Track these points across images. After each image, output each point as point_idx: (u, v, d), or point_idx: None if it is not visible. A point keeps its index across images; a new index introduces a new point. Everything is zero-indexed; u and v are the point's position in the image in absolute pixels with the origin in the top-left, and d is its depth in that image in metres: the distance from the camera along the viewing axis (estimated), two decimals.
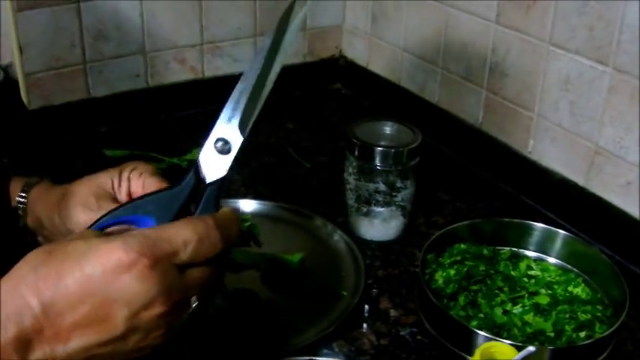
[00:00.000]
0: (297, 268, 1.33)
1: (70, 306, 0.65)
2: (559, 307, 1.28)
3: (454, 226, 1.40)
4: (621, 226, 1.49)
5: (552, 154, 1.61)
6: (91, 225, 0.77)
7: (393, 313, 1.31)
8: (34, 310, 0.64)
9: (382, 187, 1.41)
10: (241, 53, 1.98)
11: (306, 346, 1.20)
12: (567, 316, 1.26)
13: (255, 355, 1.20)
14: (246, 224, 1.37)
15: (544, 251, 1.43)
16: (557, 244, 1.41)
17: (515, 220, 1.44)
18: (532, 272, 1.38)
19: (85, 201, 0.92)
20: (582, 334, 1.23)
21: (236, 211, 0.79)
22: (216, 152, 0.79)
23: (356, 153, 1.41)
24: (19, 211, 0.99)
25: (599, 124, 1.49)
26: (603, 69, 1.45)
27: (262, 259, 1.35)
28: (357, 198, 1.44)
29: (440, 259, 1.36)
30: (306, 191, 1.64)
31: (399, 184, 1.42)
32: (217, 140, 0.79)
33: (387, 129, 1.48)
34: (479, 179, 1.75)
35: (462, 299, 1.29)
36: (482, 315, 1.26)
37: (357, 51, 2.11)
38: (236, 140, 0.79)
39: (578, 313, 1.27)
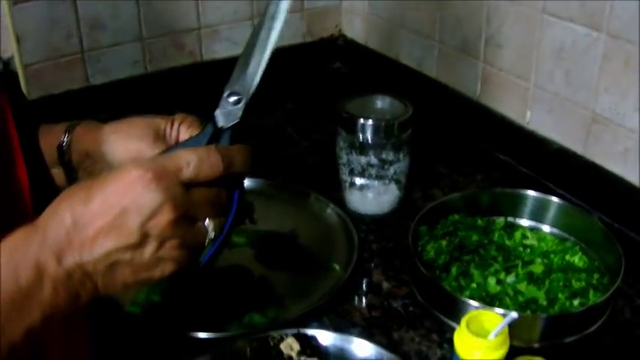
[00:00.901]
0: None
1: (93, 218, 0.76)
2: (553, 276, 1.27)
3: (447, 197, 1.40)
4: (620, 194, 1.47)
5: (550, 124, 1.60)
6: None
7: (385, 285, 1.30)
8: (66, 225, 0.76)
9: (374, 160, 1.40)
10: (239, 36, 1.97)
11: (295, 319, 1.20)
12: (561, 284, 1.25)
13: (245, 328, 1.20)
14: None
15: (539, 220, 1.42)
16: (552, 212, 1.40)
17: (508, 190, 1.43)
18: (527, 242, 1.37)
19: (142, 134, 1.02)
20: (576, 302, 1.22)
21: (247, 147, 0.88)
22: (230, 104, 0.90)
23: (346, 127, 1.40)
24: (64, 148, 1.07)
25: (595, 92, 1.47)
26: (597, 35, 1.43)
27: (256, 236, 1.35)
28: (350, 172, 1.43)
29: (433, 231, 1.35)
30: (302, 169, 1.64)
31: (391, 157, 1.41)
32: (230, 94, 0.90)
33: (379, 103, 1.47)
34: (477, 151, 1.74)
35: (454, 270, 1.28)
36: (474, 285, 1.25)
37: (356, 29, 2.10)
38: (245, 92, 0.91)
39: (573, 281, 1.26)
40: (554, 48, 1.53)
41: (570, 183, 1.55)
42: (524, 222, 1.43)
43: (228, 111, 0.90)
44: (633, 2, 1.33)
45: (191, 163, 0.81)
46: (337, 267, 1.32)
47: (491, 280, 1.26)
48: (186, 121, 1.04)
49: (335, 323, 1.22)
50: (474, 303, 1.15)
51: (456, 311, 1.15)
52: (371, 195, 1.44)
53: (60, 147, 1.07)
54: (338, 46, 2.13)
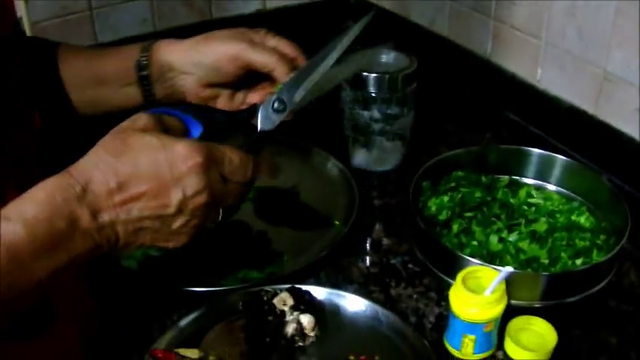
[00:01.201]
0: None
1: (139, 183, 0.83)
2: (556, 235, 1.24)
3: (451, 153, 1.37)
4: (632, 154, 1.43)
5: (561, 82, 1.56)
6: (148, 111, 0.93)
7: (385, 242, 1.28)
8: (110, 186, 0.82)
9: (377, 115, 1.38)
10: None
11: (291, 275, 1.18)
12: (564, 243, 1.22)
13: (241, 283, 1.18)
14: None
15: (545, 179, 1.39)
16: (558, 170, 1.37)
17: (514, 147, 1.40)
18: (532, 200, 1.34)
19: (238, 37, 1.12)
20: (579, 262, 1.20)
21: (274, 168, 1.05)
22: (272, 109, 1.01)
23: (350, 82, 1.38)
24: (144, 62, 1.13)
25: (607, 49, 1.43)
26: None
27: (257, 192, 1.33)
28: (353, 127, 1.41)
29: (437, 186, 1.33)
30: (306, 124, 1.61)
31: (395, 112, 1.38)
32: (277, 100, 1.01)
33: (383, 57, 1.44)
34: (487, 110, 1.70)
35: (455, 226, 1.26)
36: (475, 243, 1.23)
37: None
38: (290, 104, 1.01)
39: (576, 241, 1.23)
40: (565, 4, 1.49)
41: (581, 143, 1.51)
42: (530, 180, 1.40)
43: (268, 114, 1.01)
44: None
45: (233, 162, 0.91)
46: (337, 223, 1.30)
47: (493, 238, 1.23)
48: (270, 34, 1.15)
49: (332, 279, 1.20)
50: (473, 260, 1.12)
51: (455, 269, 1.12)
52: (375, 151, 1.42)
53: (138, 64, 1.13)
54: (350, 5, 2.09)
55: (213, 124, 0.99)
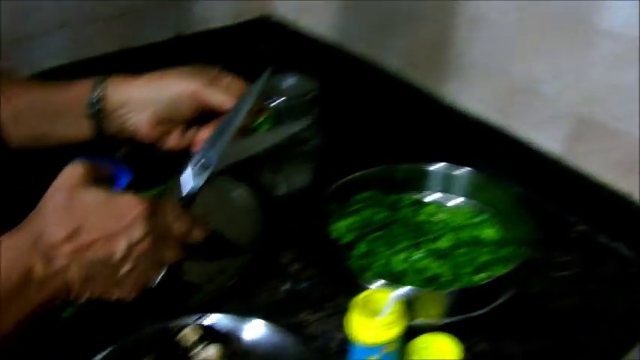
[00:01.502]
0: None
1: (88, 233, 0.89)
2: (459, 251, 1.26)
3: (356, 174, 1.37)
4: (539, 163, 1.46)
5: (468, 95, 1.59)
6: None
7: (293, 266, 1.29)
8: (60, 236, 0.88)
9: None
10: (166, 20, 1.93)
11: (202, 304, 1.18)
12: (467, 258, 1.24)
13: (152, 315, 1.18)
14: (160, 188, 1.35)
15: (452, 192, 1.41)
16: (465, 184, 1.39)
17: (417, 164, 1.42)
18: (438, 217, 1.36)
19: (196, 75, 1.14)
20: (481, 276, 1.21)
21: (205, 230, 1.06)
22: (198, 167, 1.05)
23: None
24: (97, 97, 1.14)
25: (512, 61, 1.47)
26: (510, 3, 1.43)
27: None
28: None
29: (343, 209, 1.34)
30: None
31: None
32: (201, 158, 1.05)
33: (287, 81, 1.45)
34: (400, 127, 1.72)
35: (361, 248, 1.27)
36: (380, 263, 1.24)
37: (286, 9, 2.07)
38: (213, 161, 1.05)
39: (479, 255, 1.25)
40: (472, 18, 1.51)
41: (490, 155, 1.54)
42: (435, 196, 1.41)
43: (195, 175, 1.05)
44: None
45: (171, 214, 0.97)
46: (246, 249, 1.30)
47: (398, 258, 1.25)
48: (223, 72, 1.17)
49: (241, 307, 1.20)
50: (375, 282, 1.13)
51: (360, 291, 1.13)
52: (282, 175, 1.42)
53: (91, 99, 1.14)
54: (267, 27, 2.10)
55: (141, 173, 1.07)
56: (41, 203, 0.92)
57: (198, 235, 1.03)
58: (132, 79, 1.15)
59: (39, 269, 0.87)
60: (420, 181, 1.41)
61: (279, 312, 1.20)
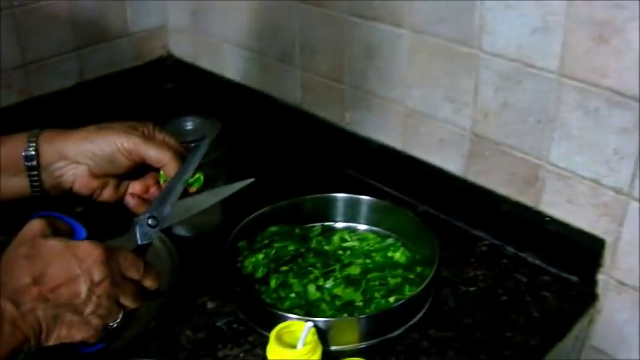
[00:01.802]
0: None
1: (52, 278, 0.94)
2: (369, 276, 1.28)
3: (263, 210, 1.40)
4: (441, 184, 1.50)
5: (368, 123, 1.62)
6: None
7: (210, 305, 1.30)
8: (26, 281, 0.93)
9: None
10: (67, 68, 1.93)
11: (122, 349, 1.17)
12: (377, 283, 1.27)
13: None
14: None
15: (357, 221, 1.44)
16: (368, 211, 1.43)
17: (322, 195, 1.44)
18: (347, 244, 1.38)
19: (132, 132, 1.16)
20: (392, 299, 1.24)
21: (156, 278, 1.09)
22: (147, 225, 1.09)
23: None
24: (32, 151, 1.15)
25: (406, 87, 1.50)
26: (401, 32, 1.46)
27: None
28: None
29: (252, 244, 1.35)
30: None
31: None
32: (150, 217, 1.09)
33: (189, 124, 1.46)
34: (303, 157, 1.75)
35: (273, 282, 1.28)
36: (294, 295, 1.26)
37: (183, 48, 2.09)
38: (162, 219, 1.10)
39: (389, 279, 1.27)
40: (363, 48, 1.55)
41: (394, 179, 1.58)
42: (342, 225, 1.44)
43: (144, 230, 1.09)
44: None
45: (127, 259, 1.02)
46: (162, 291, 1.30)
47: (311, 288, 1.26)
48: (157, 128, 1.21)
49: (162, 349, 1.21)
50: (287, 315, 1.15)
51: (274, 324, 1.14)
52: (192, 217, 1.42)
53: (26, 153, 1.15)
54: (167, 67, 2.11)
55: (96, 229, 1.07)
56: (5, 254, 0.97)
57: (151, 282, 1.07)
58: (67, 132, 1.18)
59: (9, 311, 0.91)
60: (327, 211, 1.44)
61: (201, 350, 1.21)
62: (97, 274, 0.98)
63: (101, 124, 1.20)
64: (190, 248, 1.42)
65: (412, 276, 1.27)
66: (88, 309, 0.98)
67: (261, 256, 1.32)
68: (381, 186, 1.59)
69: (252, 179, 1.20)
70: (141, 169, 1.20)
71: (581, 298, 1.31)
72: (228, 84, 1.95)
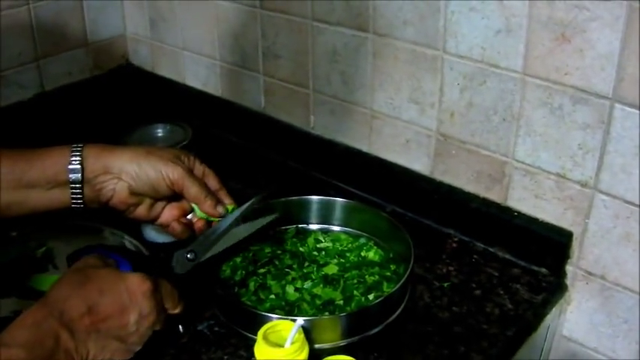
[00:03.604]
0: None
1: (105, 307, 1.01)
2: (347, 275, 1.31)
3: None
4: (408, 183, 1.53)
5: (333, 126, 1.64)
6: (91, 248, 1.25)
7: (190, 310, 1.30)
8: (82, 310, 0.99)
9: None
10: (26, 79, 1.92)
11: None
12: (355, 281, 1.29)
13: None
14: (41, 250, 1.35)
15: (330, 222, 1.47)
16: (340, 212, 1.45)
17: (295, 198, 1.46)
18: (321, 245, 1.40)
19: (174, 160, 1.22)
20: (371, 296, 1.26)
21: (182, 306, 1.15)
22: (186, 258, 1.18)
23: None
24: (77, 164, 1.19)
25: (370, 89, 1.53)
26: (365, 35, 1.49)
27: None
28: None
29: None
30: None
31: None
32: (190, 252, 1.17)
33: (160, 131, 1.48)
34: (269, 163, 1.77)
35: (251, 284, 1.30)
36: (273, 296, 1.28)
37: (142, 57, 2.10)
38: (200, 256, 1.19)
39: (366, 277, 1.30)
40: (327, 52, 1.57)
41: (361, 181, 1.60)
42: (316, 226, 1.46)
43: (182, 262, 1.17)
44: (394, 1, 1.41)
45: (167, 290, 1.10)
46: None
47: (289, 289, 1.28)
48: (198, 160, 1.28)
49: (145, 355, 1.20)
50: (270, 315, 1.17)
51: (257, 325, 1.16)
52: None
53: (70, 166, 1.19)
54: (127, 75, 2.11)
55: (139, 266, 1.16)
56: (60, 281, 1.03)
57: (180, 309, 1.14)
58: (112, 149, 1.23)
59: (65, 340, 0.96)
60: (299, 214, 1.46)
61: (184, 354, 1.22)
62: (146, 308, 1.05)
63: (149, 148, 1.26)
64: (165, 255, 1.42)
65: (389, 273, 1.30)
66: (132, 338, 1.05)
67: (238, 259, 1.34)
68: (348, 188, 1.61)
69: (277, 214, 1.31)
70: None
71: (551, 289, 1.35)
72: (189, 91, 1.97)
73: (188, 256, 1.18)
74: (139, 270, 1.11)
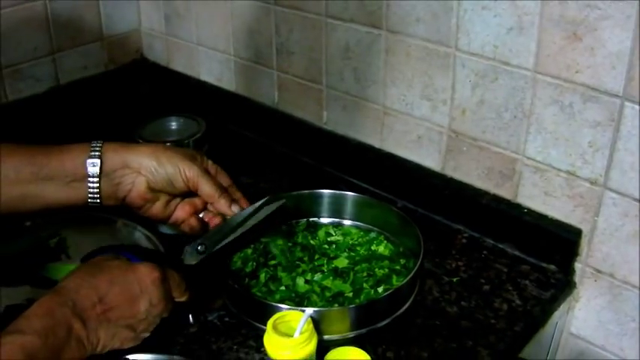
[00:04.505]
0: None
1: (115, 297, 1.04)
2: (357, 268, 1.32)
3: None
4: (419, 179, 1.54)
5: (346, 122, 1.66)
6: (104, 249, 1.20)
7: (200, 300, 1.31)
8: (93, 300, 1.02)
9: None
10: (42, 72, 1.94)
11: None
12: (365, 274, 1.30)
13: None
14: (55, 240, 1.36)
15: (341, 216, 1.48)
16: (351, 207, 1.46)
17: (307, 191, 1.47)
18: (332, 238, 1.41)
19: (190, 158, 1.26)
20: (380, 289, 1.27)
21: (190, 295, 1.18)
22: (196, 251, 1.22)
23: None
24: (96, 158, 1.21)
25: (383, 86, 1.54)
26: (378, 32, 1.50)
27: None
28: None
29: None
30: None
31: None
32: (201, 244, 1.22)
33: (173, 124, 1.49)
34: (281, 157, 1.79)
35: (262, 276, 1.31)
36: (283, 288, 1.29)
37: (157, 52, 2.11)
38: (210, 248, 1.22)
39: (376, 270, 1.31)
40: (340, 49, 1.58)
41: (372, 176, 1.61)
42: (327, 220, 1.48)
43: (192, 253, 1.21)
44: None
45: (175, 280, 1.13)
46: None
47: (300, 281, 1.29)
48: (210, 160, 1.31)
49: (156, 344, 1.22)
50: (280, 305, 1.18)
51: (267, 315, 1.17)
52: None
53: (89, 160, 1.21)
54: (141, 70, 2.13)
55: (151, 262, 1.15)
56: (72, 273, 1.07)
57: (186, 297, 1.17)
58: (130, 145, 1.26)
59: (77, 328, 0.99)
60: (311, 207, 1.47)
61: (194, 344, 1.23)
62: (155, 297, 1.08)
63: (166, 146, 1.30)
64: (177, 246, 1.43)
65: (398, 267, 1.31)
66: (142, 326, 1.08)
67: (249, 251, 1.35)
68: (360, 183, 1.62)
69: (284, 200, 1.32)
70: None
71: (560, 286, 1.36)
72: (203, 86, 1.98)
73: (199, 248, 1.21)
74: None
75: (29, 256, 1.38)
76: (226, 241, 1.24)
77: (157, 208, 1.28)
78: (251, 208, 1.27)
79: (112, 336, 1.05)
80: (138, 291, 1.06)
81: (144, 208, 1.27)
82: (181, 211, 1.29)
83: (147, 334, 1.11)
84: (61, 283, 1.04)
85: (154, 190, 1.25)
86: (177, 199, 1.29)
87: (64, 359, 0.98)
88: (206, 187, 1.26)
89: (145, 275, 1.08)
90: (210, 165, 1.30)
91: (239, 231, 1.26)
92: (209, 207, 1.31)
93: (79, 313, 1.00)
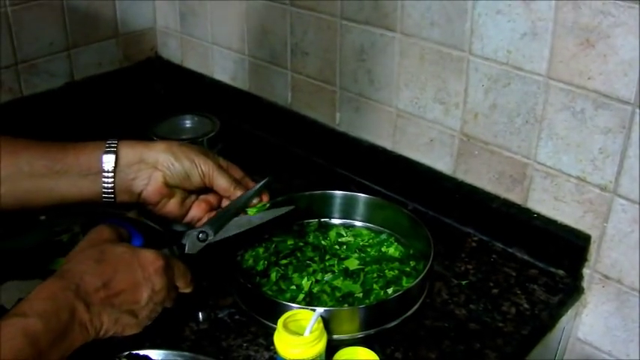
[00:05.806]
0: None
1: (119, 282, 1.05)
2: (367, 269, 1.33)
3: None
4: (431, 182, 1.55)
5: (358, 123, 1.66)
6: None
7: (211, 297, 1.33)
8: (97, 285, 1.02)
9: None
10: (57, 68, 1.96)
11: (128, 340, 1.19)
12: (375, 275, 1.31)
13: (80, 355, 1.20)
14: (67, 235, 1.38)
15: (352, 217, 1.49)
16: (362, 208, 1.47)
17: (318, 192, 1.48)
18: (343, 239, 1.42)
19: (205, 154, 1.28)
20: (390, 290, 1.28)
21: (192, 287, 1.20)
22: (197, 239, 1.22)
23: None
24: (111, 153, 1.22)
25: (396, 89, 1.55)
26: (392, 35, 1.51)
27: None
28: None
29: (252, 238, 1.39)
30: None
31: None
32: (202, 232, 1.22)
33: (188, 122, 1.50)
34: (294, 158, 1.80)
35: (273, 275, 1.32)
36: (294, 287, 1.30)
37: (171, 50, 2.13)
38: (211, 236, 1.23)
39: (386, 271, 1.32)
40: (354, 51, 1.59)
41: (384, 178, 1.62)
42: (338, 221, 1.49)
43: (193, 241, 1.22)
44: (421, 2, 1.42)
45: (180, 269, 1.15)
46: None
47: (310, 280, 1.30)
48: (220, 157, 1.33)
49: (167, 340, 1.23)
50: (291, 304, 1.19)
51: (277, 314, 1.18)
52: None
53: (105, 155, 1.22)
54: (155, 68, 2.14)
55: (150, 238, 1.21)
56: (74, 255, 1.08)
57: (191, 289, 1.18)
58: (146, 142, 1.27)
59: (81, 312, 1.00)
60: (322, 208, 1.49)
61: (204, 340, 1.24)
62: (158, 284, 1.09)
63: (180, 142, 1.30)
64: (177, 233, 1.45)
65: (408, 269, 1.32)
66: (144, 313, 1.09)
67: (261, 250, 1.36)
68: (371, 185, 1.63)
69: (293, 207, 1.34)
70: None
71: (568, 291, 1.37)
72: (217, 85, 1.99)
73: (199, 236, 1.22)
74: (151, 243, 1.16)
75: (41, 251, 1.39)
76: (228, 230, 1.26)
77: (172, 205, 1.28)
78: (251, 192, 1.28)
79: (114, 321, 1.05)
80: (141, 278, 1.08)
81: (159, 204, 1.27)
82: (197, 209, 1.30)
83: (148, 322, 1.12)
84: (65, 266, 1.05)
85: (170, 186, 1.25)
86: (193, 197, 1.30)
87: (68, 343, 0.99)
88: (221, 181, 1.27)
89: (149, 263, 1.09)
90: (222, 160, 1.31)
91: (243, 225, 1.27)
92: (224, 202, 1.31)
93: (83, 297, 1.01)
